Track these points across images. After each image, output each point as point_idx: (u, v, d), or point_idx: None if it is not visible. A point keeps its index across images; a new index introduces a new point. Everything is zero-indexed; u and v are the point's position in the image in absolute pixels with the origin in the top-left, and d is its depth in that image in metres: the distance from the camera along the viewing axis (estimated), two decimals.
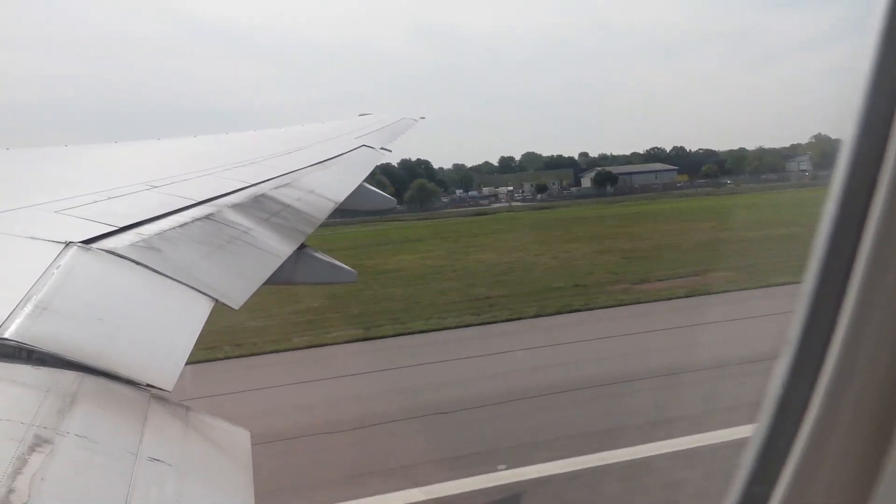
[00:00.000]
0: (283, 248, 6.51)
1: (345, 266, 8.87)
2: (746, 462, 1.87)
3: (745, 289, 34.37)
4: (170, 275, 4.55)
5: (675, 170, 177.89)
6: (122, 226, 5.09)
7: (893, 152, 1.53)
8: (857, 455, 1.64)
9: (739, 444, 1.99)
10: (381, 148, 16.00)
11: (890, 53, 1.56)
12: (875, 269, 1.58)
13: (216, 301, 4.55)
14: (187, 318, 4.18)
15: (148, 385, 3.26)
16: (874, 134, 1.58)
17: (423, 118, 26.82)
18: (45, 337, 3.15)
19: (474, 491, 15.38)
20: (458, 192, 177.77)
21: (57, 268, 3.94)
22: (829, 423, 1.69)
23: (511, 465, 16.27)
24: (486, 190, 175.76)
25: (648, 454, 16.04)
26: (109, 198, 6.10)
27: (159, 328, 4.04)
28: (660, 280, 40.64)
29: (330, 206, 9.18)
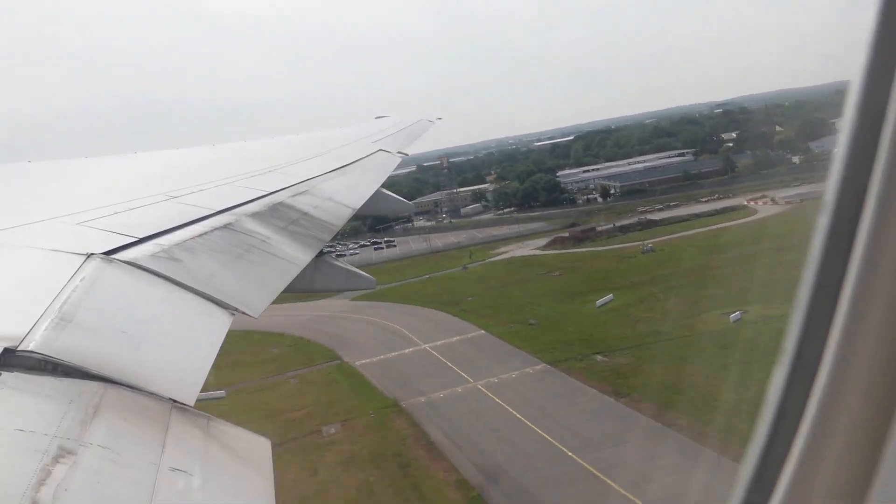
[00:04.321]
0: (301, 256, 6.54)
1: (363, 273, 8.90)
2: (745, 471, 1.88)
3: None
4: (189, 284, 4.59)
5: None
6: (142, 237, 5.15)
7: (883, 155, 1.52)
8: (851, 464, 1.64)
9: None
10: (398, 152, 16.03)
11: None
12: (868, 277, 1.58)
13: (236, 310, 4.58)
14: (208, 333, 4.21)
15: (171, 400, 3.29)
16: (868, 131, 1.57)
17: (440, 118, 26.76)
18: (68, 350, 3.19)
19: None
20: None
21: (79, 280, 3.99)
22: (823, 433, 1.69)
23: None
24: None
25: None
26: (129, 209, 6.17)
27: (181, 343, 4.07)
28: None
29: (348, 213, 9.21)
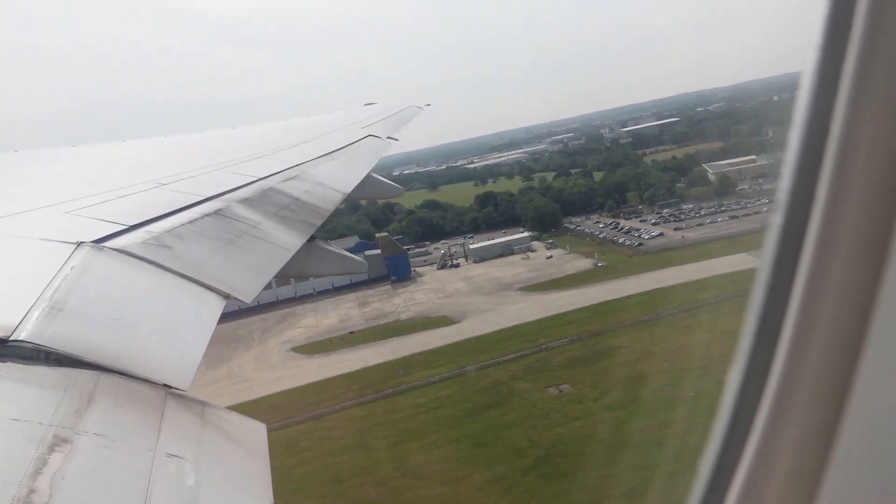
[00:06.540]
0: (292, 241, 6.52)
1: (354, 256, 8.89)
2: (701, 471, 1.96)
3: None
4: (181, 271, 4.57)
5: None
6: (132, 224, 5.11)
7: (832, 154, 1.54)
8: (803, 464, 1.69)
9: None
10: (388, 137, 15.95)
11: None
12: (818, 279, 1.61)
13: (227, 296, 4.57)
14: (201, 317, 4.20)
15: (165, 385, 3.29)
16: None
17: (429, 105, 26.61)
18: (61, 338, 3.18)
19: None
20: None
21: (70, 268, 3.97)
22: (776, 434, 1.74)
23: None
24: None
25: None
26: (119, 196, 6.13)
27: (173, 328, 4.07)
28: None
29: (338, 198, 9.17)
